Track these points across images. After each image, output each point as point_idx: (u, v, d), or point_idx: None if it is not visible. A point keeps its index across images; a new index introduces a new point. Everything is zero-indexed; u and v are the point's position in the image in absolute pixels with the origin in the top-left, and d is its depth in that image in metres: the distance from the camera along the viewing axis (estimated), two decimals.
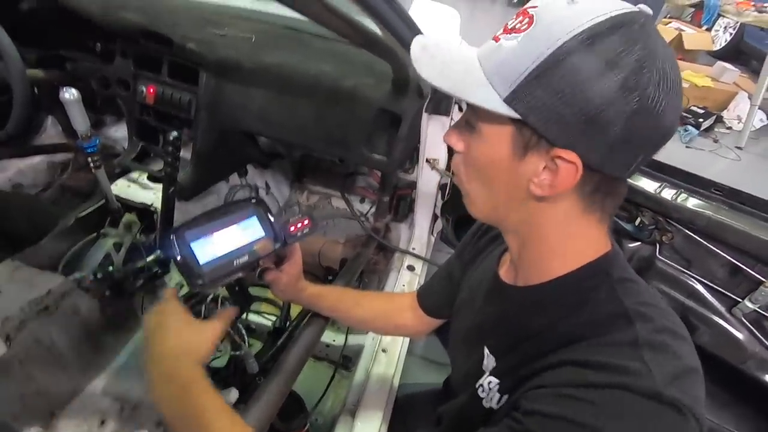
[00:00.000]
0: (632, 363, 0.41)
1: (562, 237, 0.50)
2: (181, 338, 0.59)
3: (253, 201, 0.67)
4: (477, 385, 0.57)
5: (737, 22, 4.51)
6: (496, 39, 0.45)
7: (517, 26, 0.43)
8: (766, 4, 3.61)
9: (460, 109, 1.31)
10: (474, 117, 0.49)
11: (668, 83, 0.41)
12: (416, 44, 0.49)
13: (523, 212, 0.50)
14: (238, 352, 0.96)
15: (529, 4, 0.45)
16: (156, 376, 0.57)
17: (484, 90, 0.44)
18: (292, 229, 0.69)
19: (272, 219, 0.67)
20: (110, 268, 1.06)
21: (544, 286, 0.53)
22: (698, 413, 0.40)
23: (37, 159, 1.53)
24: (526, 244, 0.53)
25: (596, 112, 0.40)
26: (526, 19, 0.43)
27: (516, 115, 0.43)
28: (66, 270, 1.05)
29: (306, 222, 0.71)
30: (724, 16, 3.84)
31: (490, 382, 0.55)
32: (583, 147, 0.42)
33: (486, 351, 0.59)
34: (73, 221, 1.08)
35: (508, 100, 0.43)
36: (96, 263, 1.07)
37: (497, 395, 0.53)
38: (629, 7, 0.41)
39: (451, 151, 1.37)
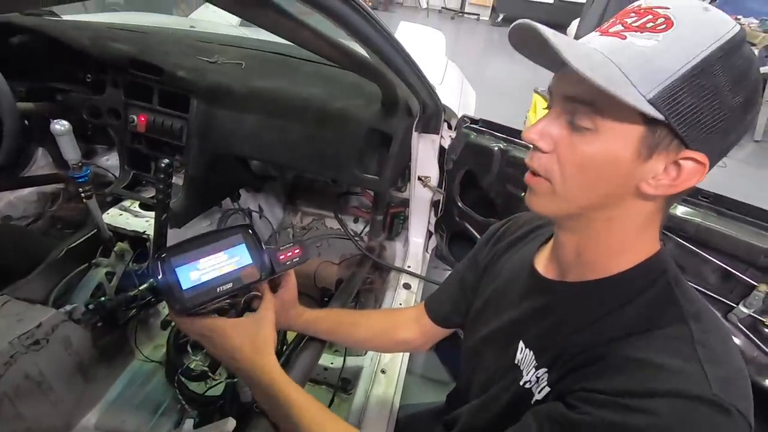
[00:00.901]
0: (688, 365, 0.42)
1: (635, 234, 0.51)
2: (247, 347, 0.61)
3: (244, 228, 0.67)
4: (522, 382, 0.56)
5: None
6: (619, 36, 0.43)
7: (649, 25, 0.42)
8: (739, 17, 3.75)
9: (450, 126, 1.33)
10: (591, 114, 0.45)
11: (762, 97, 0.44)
12: (547, 31, 0.42)
13: (614, 209, 0.49)
14: (234, 380, 0.94)
15: (650, 3, 0.44)
16: (250, 386, 0.64)
17: (625, 86, 0.41)
18: (282, 257, 0.69)
19: (262, 246, 0.67)
20: (102, 298, 1.05)
21: (602, 281, 0.52)
22: (748, 415, 0.41)
23: (27, 190, 1.52)
24: (593, 241, 0.52)
25: (728, 119, 0.43)
26: (661, 20, 0.42)
27: (659, 116, 0.42)
28: (57, 302, 1.03)
29: (297, 251, 0.70)
30: None
31: (540, 377, 0.53)
32: (710, 150, 0.44)
33: (521, 345, 0.58)
34: (63, 252, 1.07)
35: (653, 101, 0.41)
36: (88, 294, 1.05)
37: (545, 384, 0.52)
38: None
39: (442, 168, 1.38)
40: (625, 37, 0.43)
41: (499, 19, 7.04)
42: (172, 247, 0.61)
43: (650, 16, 0.43)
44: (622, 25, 0.44)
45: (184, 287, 0.58)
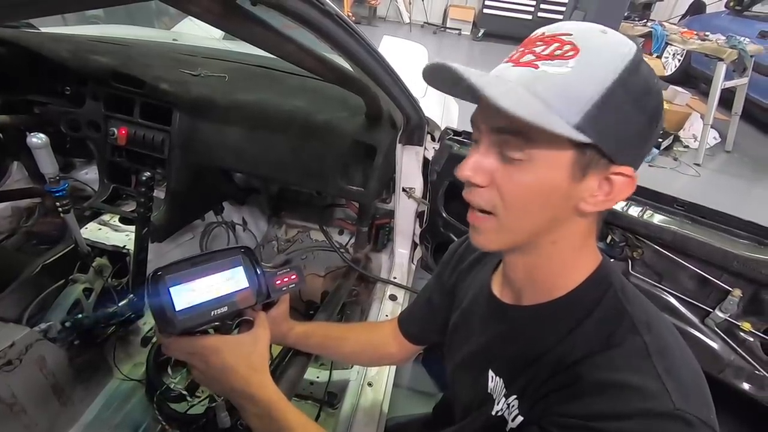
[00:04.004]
0: (650, 381, 0.43)
1: (580, 250, 0.52)
2: (242, 365, 0.59)
3: (243, 250, 0.66)
4: (494, 411, 0.56)
5: (684, 50, 4.87)
6: (532, 65, 0.44)
7: (557, 53, 0.44)
8: (708, 33, 3.92)
9: (433, 138, 1.35)
10: (521, 144, 0.45)
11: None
12: (464, 70, 0.43)
13: (558, 231, 0.50)
14: (213, 404, 0.90)
15: (553, 31, 0.45)
16: (240, 406, 0.60)
17: (552, 116, 0.42)
18: (278, 282, 0.68)
19: (259, 270, 0.66)
20: (80, 315, 1.01)
21: (555, 303, 0.53)
22: (709, 420, 0.42)
23: (0, 205, 1.47)
24: (542, 263, 0.53)
25: (642, 131, 0.46)
26: (567, 46, 0.44)
27: (587, 140, 0.43)
28: (32, 320, 1.00)
29: (293, 276, 0.70)
30: (671, 45, 4.14)
31: (511, 404, 0.54)
32: (633, 162, 0.47)
33: (491, 374, 0.59)
34: (39, 268, 1.04)
35: (579, 126, 0.43)
36: (64, 311, 1.02)
37: (516, 413, 0.53)
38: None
39: (426, 180, 1.40)
40: (538, 66, 0.44)
41: (480, 34, 7.20)
42: (167, 266, 0.59)
43: (557, 44, 0.44)
44: (533, 55, 0.45)
45: (177, 308, 0.57)
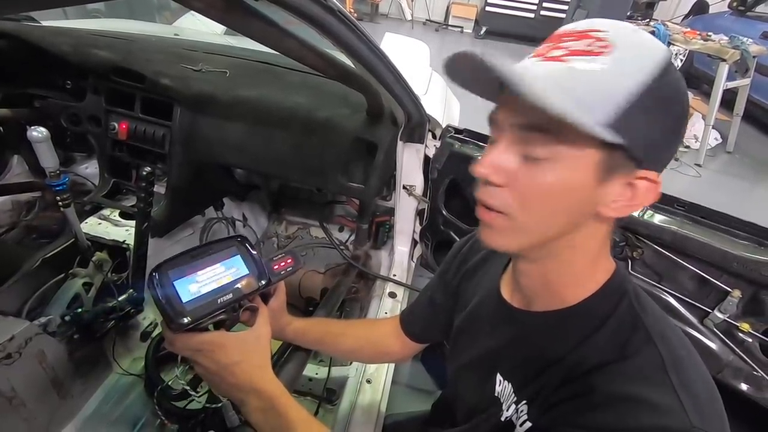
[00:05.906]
0: (665, 396, 0.42)
1: (597, 256, 0.51)
2: (246, 363, 0.60)
3: (238, 239, 0.67)
4: (504, 417, 0.55)
5: (686, 50, 4.85)
6: (560, 60, 0.42)
7: (587, 49, 0.42)
8: (710, 33, 3.91)
9: (434, 136, 1.35)
10: (547, 142, 0.43)
11: None
12: (496, 61, 0.40)
13: (575, 235, 0.48)
14: (218, 404, 0.91)
15: (585, 28, 0.44)
16: (242, 403, 0.60)
17: (584, 114, 0.40)
18: (276, 267, 0.70)
19: (256, 257, 0.67)
20: (79, 309, 1.01)
21: (568, 311, 0.52)
22: None
23: (0, 199, 1.47)
24: (558, 269, 0.51)
25: (674, 134, 0.45)
26: (599, 43, 0.42)
27: (619, 140, 0.41)
28: (31, 314, 1.00)
29: (290, 260, 0.71)
30: (674, 44, 4.12)
31: (520, 410, 0.53)
32: (658, 166, 0.45)
33: (499, 377, 0.58)
34: (39, 262, 1.04)
35: (611, 125, 0.41)
36: (64, 305, 1.02)
37: (525, 418, 0.52)
38: None
39: (427, 177, 1.39)
40: (567, 61, 0.42)
41: (482, 32, 7.18)
42: (167, 261, 0.60)
43: (590, 40, 0.42)
44: (562, 50, 0.43)
45: (183, 300, 0.57)
